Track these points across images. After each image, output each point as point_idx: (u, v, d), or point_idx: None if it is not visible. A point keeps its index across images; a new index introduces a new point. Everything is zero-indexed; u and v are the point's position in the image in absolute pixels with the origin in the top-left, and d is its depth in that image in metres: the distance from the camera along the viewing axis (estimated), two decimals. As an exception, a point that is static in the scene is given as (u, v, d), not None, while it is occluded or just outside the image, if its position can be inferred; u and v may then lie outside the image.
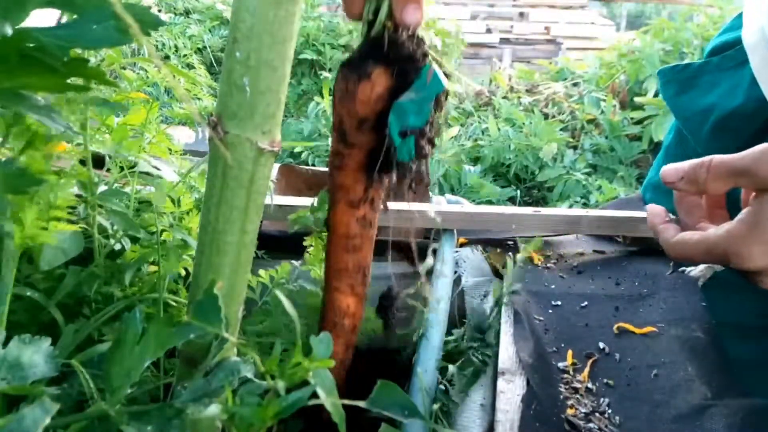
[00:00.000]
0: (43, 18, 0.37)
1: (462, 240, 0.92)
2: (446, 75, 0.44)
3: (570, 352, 0.71)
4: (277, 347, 0.37)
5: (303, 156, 2.04)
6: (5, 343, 0.37)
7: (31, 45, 0.34)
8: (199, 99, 0.70)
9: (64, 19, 0.37)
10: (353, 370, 0.58)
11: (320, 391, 0.33)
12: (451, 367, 0.64)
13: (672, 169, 0.50)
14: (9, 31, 0.32)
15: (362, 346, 0.64)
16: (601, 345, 0.72)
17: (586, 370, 0.68)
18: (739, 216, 0.45)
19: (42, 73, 0.34)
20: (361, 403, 0.33)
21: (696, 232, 0.49)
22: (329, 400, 0.33)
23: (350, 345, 0.55)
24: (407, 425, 0.55)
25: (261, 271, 0.67)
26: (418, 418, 0.34)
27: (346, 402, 0.33)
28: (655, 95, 3.26)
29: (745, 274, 0.47)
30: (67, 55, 0.34)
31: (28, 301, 0.53)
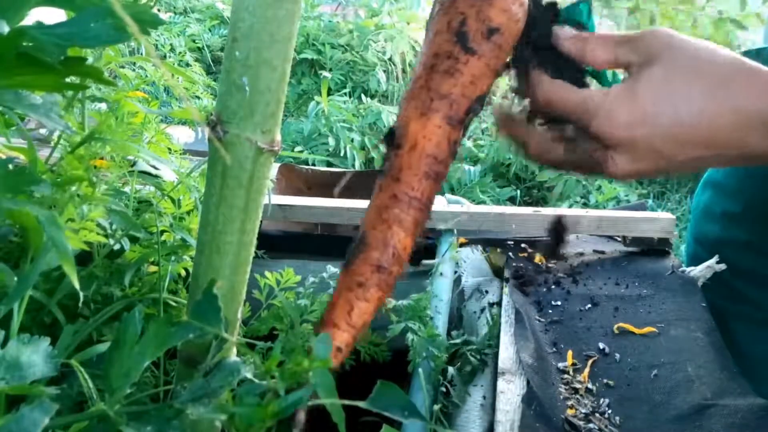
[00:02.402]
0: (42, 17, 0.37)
1: (462, 240, 0.92)
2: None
3: (570, 353, 0.71)
4: (277, 347, 0.37)
5: (303, 156, 2.04)
6: (4, 343, 0.36)
7: (29, 43, 0.34)
8: (198, 98, 0.70)
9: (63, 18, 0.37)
10: (354, 372, 0.58)
11: (320, 392, 0.33)
12: (451, 368, 0.64)
13: (569, 30, 0.45)
14: (6, 29, 0.32)
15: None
16: (601, 345, 0.72)
17: (586, 370, 0.68)
18: (620, 83, 0.43)
19: (39, 71, 0.34)
20: (361, 404, 0.33)
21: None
22: (329, 400, 0.33)
23: (383, 302, 0.46)
24: (407, 425, 0.55)
25: (267, 273, 0.67)
26: (417, 419, 0.34)
27: (346, 402, 0.33)
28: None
29: (596, 148, 0.43)
30: (64, 54, 0.34)
31: (28, 301, 0.52)
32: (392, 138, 0.42)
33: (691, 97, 0.40)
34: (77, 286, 0.32)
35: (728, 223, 0.86)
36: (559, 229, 0.61)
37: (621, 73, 0.46)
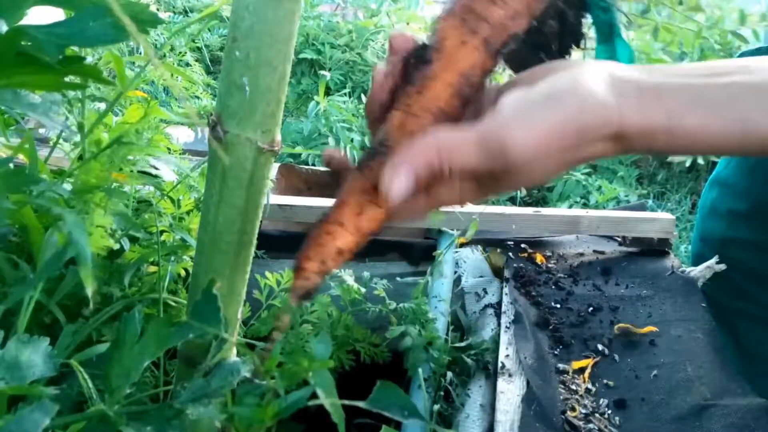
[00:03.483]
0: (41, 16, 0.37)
1: (462, 240, 0.92)
2: None
3: (570, 353, 0.71)
4: (276, 348, 0.37)
5: (303, 156, 2.04)
6: (4, 343, 0.36)
7: (28, 43, 0.34)
8: (198, 98, 0.70)
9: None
10: (353, 373, 0.58)
11: (320, 392, 0.33)
12: (451, 370, 0.64)
13: (403, 188, 0.37)
14: (5, 28, 0.32)
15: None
16: (601, 346, 0.72)
17: (587, 370, 0.68)
18: (505, 103, 0.37)
19: (38, 71, 0.34)
20: (361, 403, 0.33)
21: (451, 128, 0.38)
22: (329, 400, 0.33)
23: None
24: (407, 426, 0.55)
25: (267, 273, 0.66)
26: (417, 419, 0.34)
27: (346, 402, 0.33)
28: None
29: (499, 176, 0.38)
30: (63, 53, 0.34)
31: (28, 301, 0.52)
32: (423, 53, 0.39)
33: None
34: (90, 292, 0.32)
35: (734, 221, 0.85)
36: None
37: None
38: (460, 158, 0.36)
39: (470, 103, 0.40)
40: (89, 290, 0.33)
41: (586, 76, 0.37)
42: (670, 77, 0.37)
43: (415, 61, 0.40)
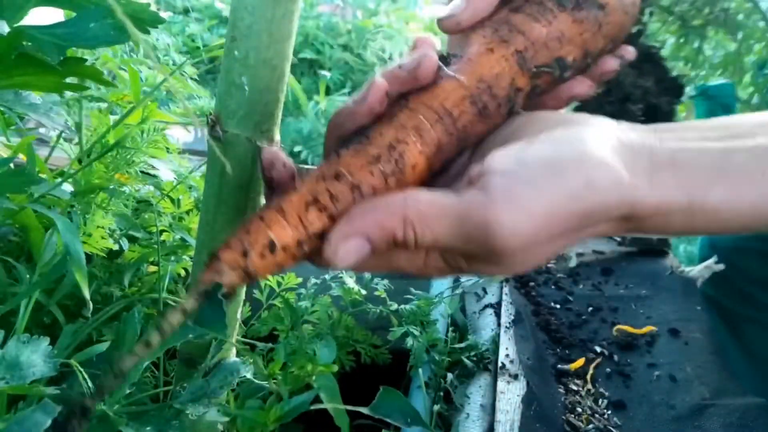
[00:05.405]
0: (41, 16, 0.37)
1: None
2: None
3: (570, 353, 0.71)
4: (279, 350, 0.37)
5: (303, 155, 2.04)
6: (4, 343, 0.36)
7: (29, 43, 0.34)
8: (197, 98, 0.70)
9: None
10: (353, 374, 0.58)
11: (323, 396, 0.33)
12: (451, 371, 0.64)
13: (355, 254, 0.31)
14: (6, 29, 0.32)
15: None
16: (601, 346, 0.72)
17: (587, 371, 0.68)
18: (495, 168, 0.31)
19: (39, 72, 0.34)
20: (364, 410, 0.33)
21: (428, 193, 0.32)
22: (332, 404, 0.33)
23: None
24: (407, 428, 0.55)
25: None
26: (420, 426, 0.34)
27: (349, 407, 0.33)
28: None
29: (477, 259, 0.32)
30: (64, 54, 0.34)
31: (27, 301, 0.52)
32: (444, 58, 0.35)
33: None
34: (86, 293, 0.32)
35: None
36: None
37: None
38: (431, 233, 0.30)
39: (493, 124, 0.35)
40: (86, 292, 0.33)
41: (593, 143, 0.30)
42: (686, 141, 0.31)
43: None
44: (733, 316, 0.81)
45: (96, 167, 0.52)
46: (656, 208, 0.30)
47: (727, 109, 0.84)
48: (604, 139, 0.31)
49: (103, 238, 0.51)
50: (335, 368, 0.35)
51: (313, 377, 0.33)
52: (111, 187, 0.53)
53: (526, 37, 0.35)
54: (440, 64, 0.35)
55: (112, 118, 0.62)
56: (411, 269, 0.34)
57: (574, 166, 0.29)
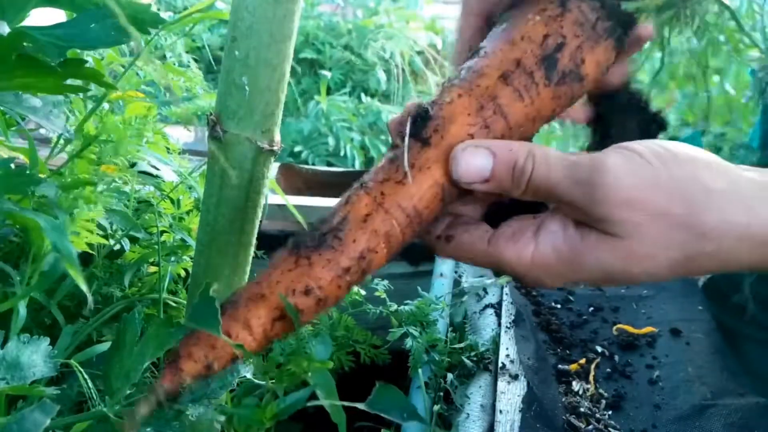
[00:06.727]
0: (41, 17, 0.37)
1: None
2: None
3: (570, 353, 0.71)
4: (275, 348, 0.37)
5: (303, 155, 2.04)
6: (4, 343, 0.37)
7: (29, 44, 0.34)
8: (197, 98, 0.70)
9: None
10: (353, 374, 0.58)
11: (320, 393, 0.33)
12: (451, 371, 0.64)
13: (476, 168, 0.33)
14: (6, 30, 0.32)
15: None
16: (601, 346, 0.72)
17: (588, 371, 0.68)
18: (550, 243, 0.34)
19: (40, 73, 0.34)
20: (360, 405, 0.33)
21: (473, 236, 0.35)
22: (329, 401, 0.33)
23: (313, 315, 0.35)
24: (406, 427, 0.55)
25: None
26: (417, 421, 0.34)
27: (346, 404, 0.33)
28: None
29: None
30: (64, 55, 0.34)
31: (28, 302, 0.52)
32: (421, 115, 0.34)
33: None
34: (85, 289, 0.32)
35: None
36: None
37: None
38: (546, 170, 0.32)
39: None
40: (84, 287, 0.33)
41: (715, 163, 0.33)
42: None
43: (411, 129, 0.34)
44: (735, 337, 0.81)
45: (80, 161, 0.51)
46: None
47: None
48: (720, 161, 0.33)
49: (90, 232, 0.51)
50: (331, 365, 0.35)
51: (309, 374, 0.33)
52: (96, 179, 0.52)
53: (506, 122, 0.35)
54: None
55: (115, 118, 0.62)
56: (518, 267, 0.34)
57: (689, 160, 0.32)
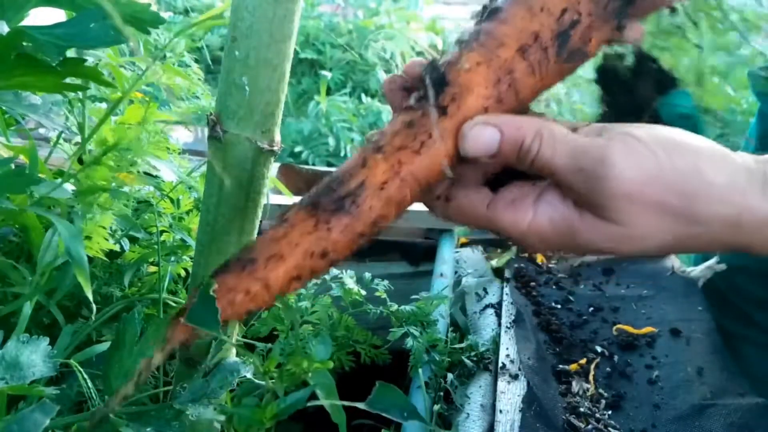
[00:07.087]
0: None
1: (462, 240, 0.92)
2: None
3: (570, 353, 0.71)
4: (276, 348, 0.37)
5: (303, 156, 2.04)
6: (4, 343, 0.36)
7: (29, 44, 0.34)
8: (197, 98, 0.70)
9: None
10: (353, 374, 0.58)
11: (320, 392, 0.33)
12: (451, 371, 0.64)
13: (484, 144, 0.34)
14: (6, 29, 0.32)
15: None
16: (601, 346, 0.72)
17: (588, 371, 0.68)
18: (548, 215, 0.35)
19: (39, 72, 0.34)
20: (360, 404, 0.33)
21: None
22: (329, 401, 0.33)
23: (320, 271, 0.35)
24: (406, 427, 0.55)
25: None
26: (416, 420, 0.34)
27: (345, 403, 0.33)
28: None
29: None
30: (64, 55, 0.34)
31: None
32: (439, 80, 0.33)
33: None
34: (90, 296, 0.32)
35: None
36: None
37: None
38: (551, 152, 0.33)
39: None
40: (89, 293, 0.33)
41: (714, 149, 0.34)
42: None
43: (426, 90, 0.34)
44: (734, 338, 0.81)
45: (99, 168, 0.52)
46: (766, 220, 0.32)
47: (687, 117, 0.83)
48: (721, 151, 0.34)
49: (104, 239, 0.52)
50: (331, 365, 0.35)
51: (309, 374, 0.33)
52: (113, 187, 0.53)
53: (517, 98, 0.35)
54: None
55: (114, 119, 0.62)
56: (514, 232, 0.36)
57: (692, 151, 0.33)
